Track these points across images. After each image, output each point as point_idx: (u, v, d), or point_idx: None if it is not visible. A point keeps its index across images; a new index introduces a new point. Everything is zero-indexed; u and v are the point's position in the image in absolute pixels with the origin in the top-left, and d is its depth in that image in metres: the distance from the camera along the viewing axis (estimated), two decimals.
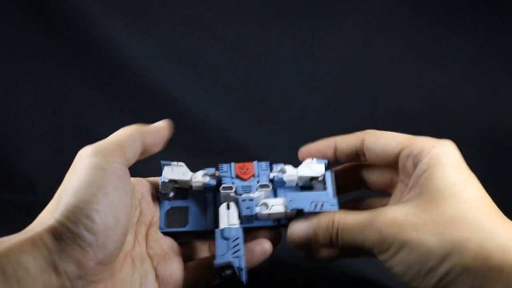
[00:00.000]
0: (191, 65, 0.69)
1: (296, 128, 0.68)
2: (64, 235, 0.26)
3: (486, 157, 0.64)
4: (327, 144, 0.37)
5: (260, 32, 0.69)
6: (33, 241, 0.26)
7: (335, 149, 0.36)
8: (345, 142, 0.36)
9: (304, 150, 0.37)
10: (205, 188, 0.37)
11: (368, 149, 0.35)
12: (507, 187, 0.61)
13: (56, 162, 0.69)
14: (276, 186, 0.37)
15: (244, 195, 0.34)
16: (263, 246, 0.34)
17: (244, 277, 0.31)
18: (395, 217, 0.30)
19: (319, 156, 0.37)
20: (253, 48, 0.69)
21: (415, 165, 0.32)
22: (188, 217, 0.37)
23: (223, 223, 0.33)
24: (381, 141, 0.34)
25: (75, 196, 0.27)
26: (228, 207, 0.35)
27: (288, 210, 0.34)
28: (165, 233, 0.36)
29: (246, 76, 0.70)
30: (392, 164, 0.34)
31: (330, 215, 0.33)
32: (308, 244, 0.34)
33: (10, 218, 0.61)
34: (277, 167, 0.37)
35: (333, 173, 0.37)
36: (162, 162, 0.37)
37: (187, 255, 0.36)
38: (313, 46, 0.69)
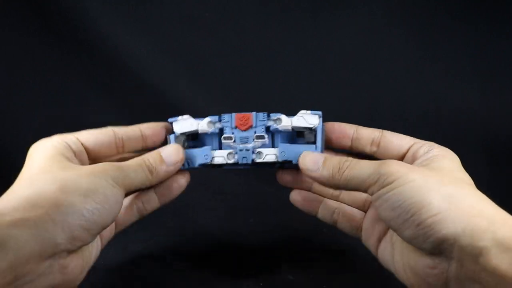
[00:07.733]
0: (191, 65, 0.69)
1: None
2: None
3: (486, 158, 0.64)
4: (350, 127, 0.41)
5: (260, 31, 0.69)
6: None
7: (355, 134, 0.40)
8: (367, 130, 0.40)
9: (328, 124, 0.41)
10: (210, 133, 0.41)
11: (385, 139, 0.39)
12: (508, 188, 0.61)
13: None
14: (274, 133, 0.40)
15: (241, 145, 0.39)
16: (179, 182, 0.40)
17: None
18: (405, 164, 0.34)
19: (339, 136, 0.40)
20: (253, 48, 0.69)
21: (425, 152, 0.36)
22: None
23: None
24: (399, 136, 0.39)
25: None
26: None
27: (280, 160, 0.39)
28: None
29: (246, 76, 0.70)
30: (399, 158, 0.38)
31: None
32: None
33: None
34: (274, 116, 0.40)
35: (324, 126, 0.40)
36: (170, 119, 0.41)
37: None
38: (314, 46, 0.69)
